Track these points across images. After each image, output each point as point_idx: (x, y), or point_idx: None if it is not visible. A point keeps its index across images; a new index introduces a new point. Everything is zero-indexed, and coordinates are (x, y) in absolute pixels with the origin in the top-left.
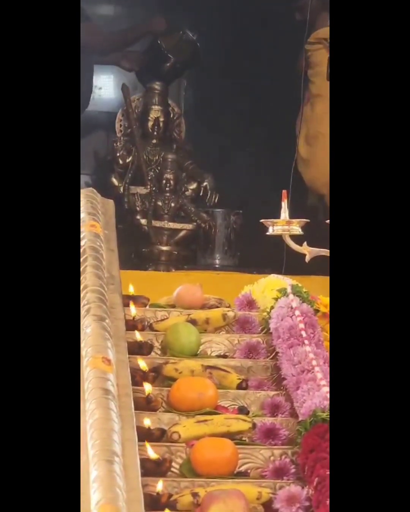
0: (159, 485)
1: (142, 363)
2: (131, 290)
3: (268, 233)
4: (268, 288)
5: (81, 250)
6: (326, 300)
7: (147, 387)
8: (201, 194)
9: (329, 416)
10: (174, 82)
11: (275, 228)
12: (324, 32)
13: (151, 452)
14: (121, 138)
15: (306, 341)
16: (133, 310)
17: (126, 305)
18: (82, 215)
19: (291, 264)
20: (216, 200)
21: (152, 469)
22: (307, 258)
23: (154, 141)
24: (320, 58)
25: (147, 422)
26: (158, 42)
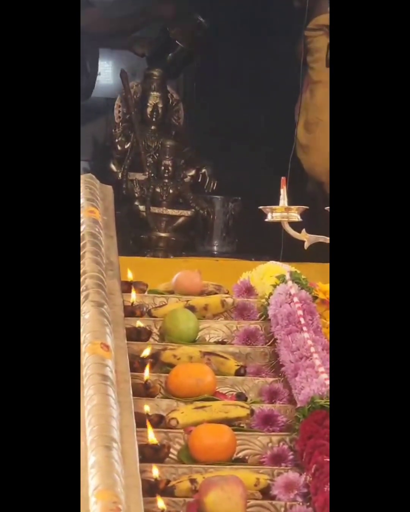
0: (155, 471)
1: (146, 351)
2: (129, 276)
3: (266, 220)
4: (266, 275)
5: (80, 236)
6: (325, 287)
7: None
8: (200, 180)
9: (327, 403)
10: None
11: (273, 215)
12: (324, 18)
13: (152, 436)
14: (120, 124)
15: (305, 328)
16: (132, 296)
17: (125, 291)
18: (81, 201)
19: (289, 251)
20: (214, 187)
21: (150, 455)
22: (306, 245)
23: (153, 127)
24: (320, 44)
25: (146, 408)
26: (167, 29)
